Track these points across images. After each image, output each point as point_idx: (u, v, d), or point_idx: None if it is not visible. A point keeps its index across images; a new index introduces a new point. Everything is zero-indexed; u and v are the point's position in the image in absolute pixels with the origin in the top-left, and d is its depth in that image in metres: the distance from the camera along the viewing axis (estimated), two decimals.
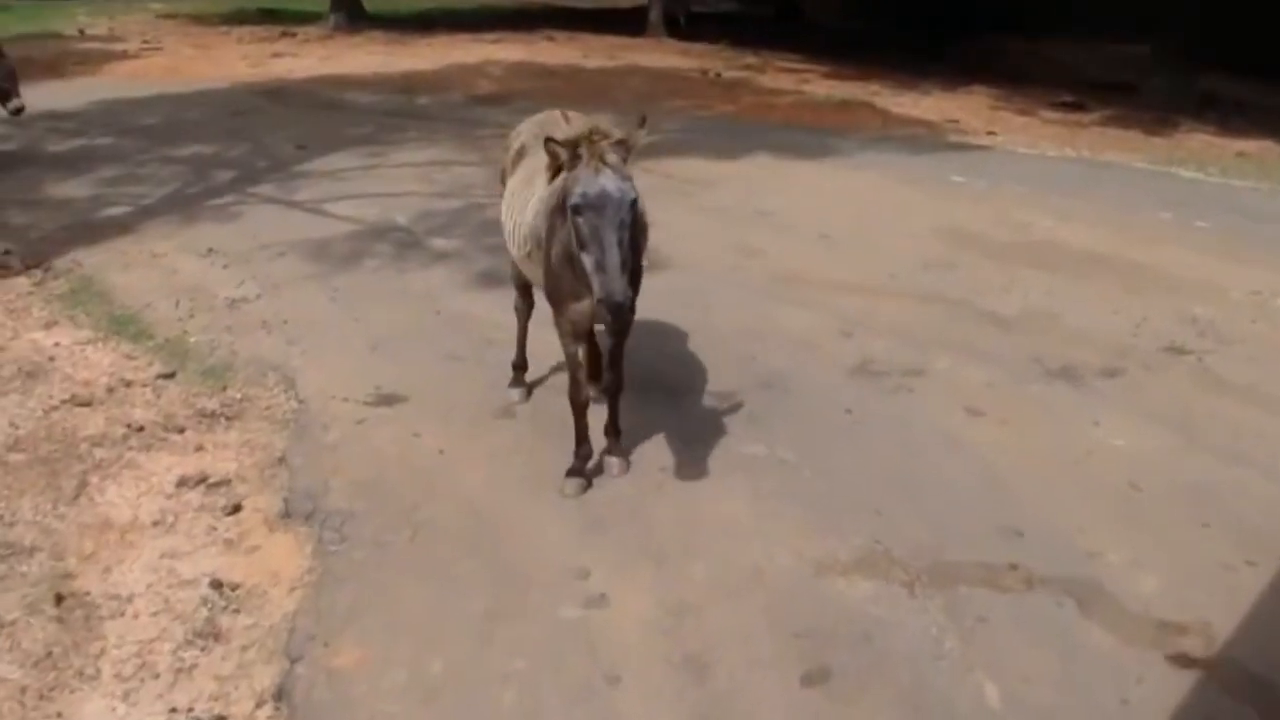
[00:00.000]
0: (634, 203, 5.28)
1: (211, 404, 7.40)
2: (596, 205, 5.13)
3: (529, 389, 7.47)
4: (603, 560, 5.65)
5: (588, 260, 5.17)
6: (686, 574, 5.55)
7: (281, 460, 6.66)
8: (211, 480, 6.47)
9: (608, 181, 5.19)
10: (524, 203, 6.26)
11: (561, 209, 5.49)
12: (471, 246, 10.44)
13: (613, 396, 6.49)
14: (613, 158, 5.30)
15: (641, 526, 5.95)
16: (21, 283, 9.60)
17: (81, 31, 27.25)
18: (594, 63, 22.94)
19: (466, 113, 16.99)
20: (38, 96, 17.63)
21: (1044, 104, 19.26)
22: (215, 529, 6.02)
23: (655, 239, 10.49)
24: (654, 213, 11.33)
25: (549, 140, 5.40)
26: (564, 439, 6.49)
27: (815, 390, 7.51)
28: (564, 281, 5.79)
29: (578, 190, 5.17)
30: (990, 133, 16.53)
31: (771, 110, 17.87)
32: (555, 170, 5.62)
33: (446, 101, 18.10)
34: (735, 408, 7.20)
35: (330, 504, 6.15)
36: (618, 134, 5.42)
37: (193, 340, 8.35)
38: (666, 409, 7.19)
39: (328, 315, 8.71)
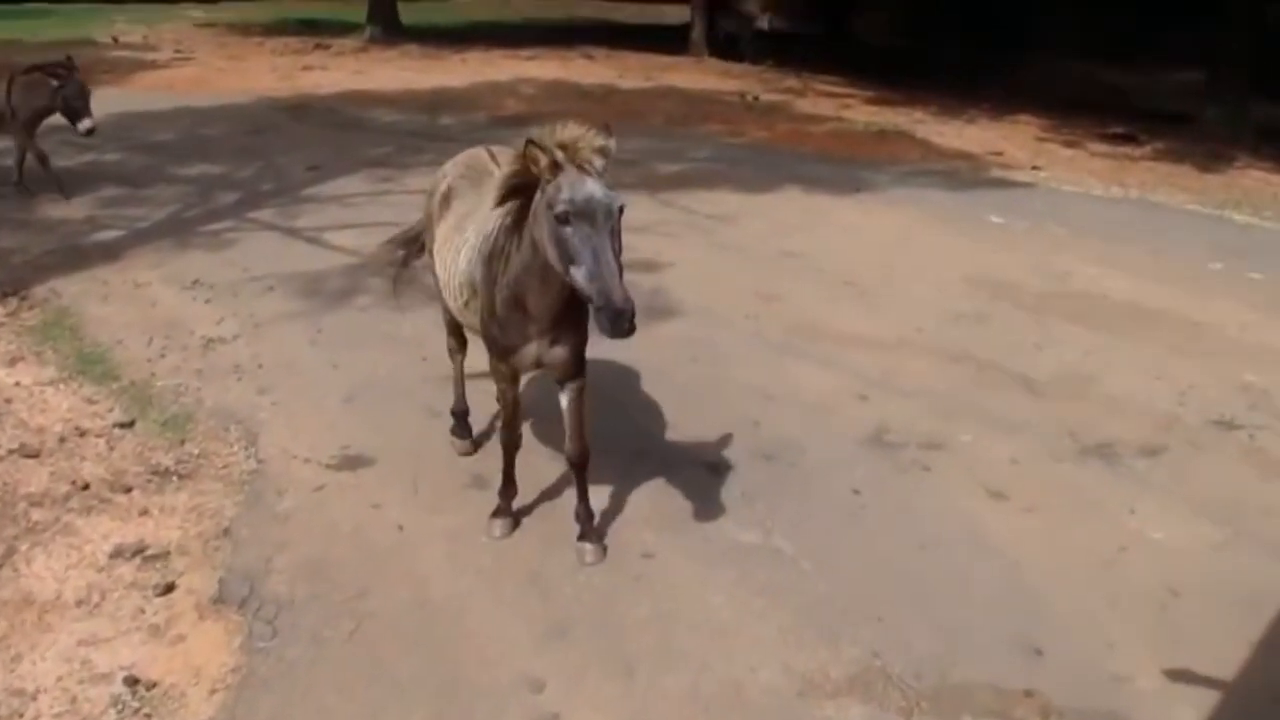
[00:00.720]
0: (621, 209, 4.80)
1: (166, 459, 6.83)
2: (585, 212, 4.65)
3: (475, 442, 6.99)
4: (563, 669, 5.00)
5: (579, 272, 4.66)
6: (656, 689, 4.90)
7: (227, 531, 6.06)
8: (149, 552, 5.90)
9: (594, 187, 4.71)
10: (456, 250, 5.79)
11: (495, 256, 5.28)
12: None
13: (579, 470, 5.91)
14: (598, 162, 4.81)
15: (612, 628, 5.30)
16: None
17: (115, 39, 26.96)
18: (629, 83, 22.34)
19: (487, 135, 16.25)
20: None
21: (1093, 135, 18.50)
22: (143, 612, 5.44)
23: (668, 281, 10.06)
24: (670, 251, 10.90)
25: (530, 142, 4.84)
26: (539, 518, 5.92)
27: (822, 464, 6.83)
28: (510, 327, 5.39)
29: (563, 197, 4.67)
30: (1035, 167, 15.78)
31: (807, 139, 17.19)
32: (508, 192, 5.11)
33: (470, 122, 17.50)
34: (732, 484, 6.54)
35: (269, 589, 5.54)
36: (598, 140, 4.87)
37: (158, 385, 7.79)
38: (655, 483, 6.54)
39: (306, 360, 8.11)
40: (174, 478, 6.63)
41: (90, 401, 7.58)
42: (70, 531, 6.08)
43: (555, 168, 4.77)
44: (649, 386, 7.84)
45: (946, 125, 19.11)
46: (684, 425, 7.26)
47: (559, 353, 5.52)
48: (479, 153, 6.43)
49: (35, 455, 6.87)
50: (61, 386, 7.79)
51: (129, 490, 6.49)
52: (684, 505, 6.29)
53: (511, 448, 6.01)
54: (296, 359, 8.17)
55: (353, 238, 10.97)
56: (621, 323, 4.57)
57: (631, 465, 6.68)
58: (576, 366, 5.65)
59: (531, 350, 5.45)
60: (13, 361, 8.17)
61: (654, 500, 6.35)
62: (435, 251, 6.19)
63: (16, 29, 28.24)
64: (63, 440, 7.04)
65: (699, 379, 7.99)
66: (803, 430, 7.25)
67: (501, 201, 5.17)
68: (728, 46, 26.96)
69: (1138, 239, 11.82)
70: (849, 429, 7.31)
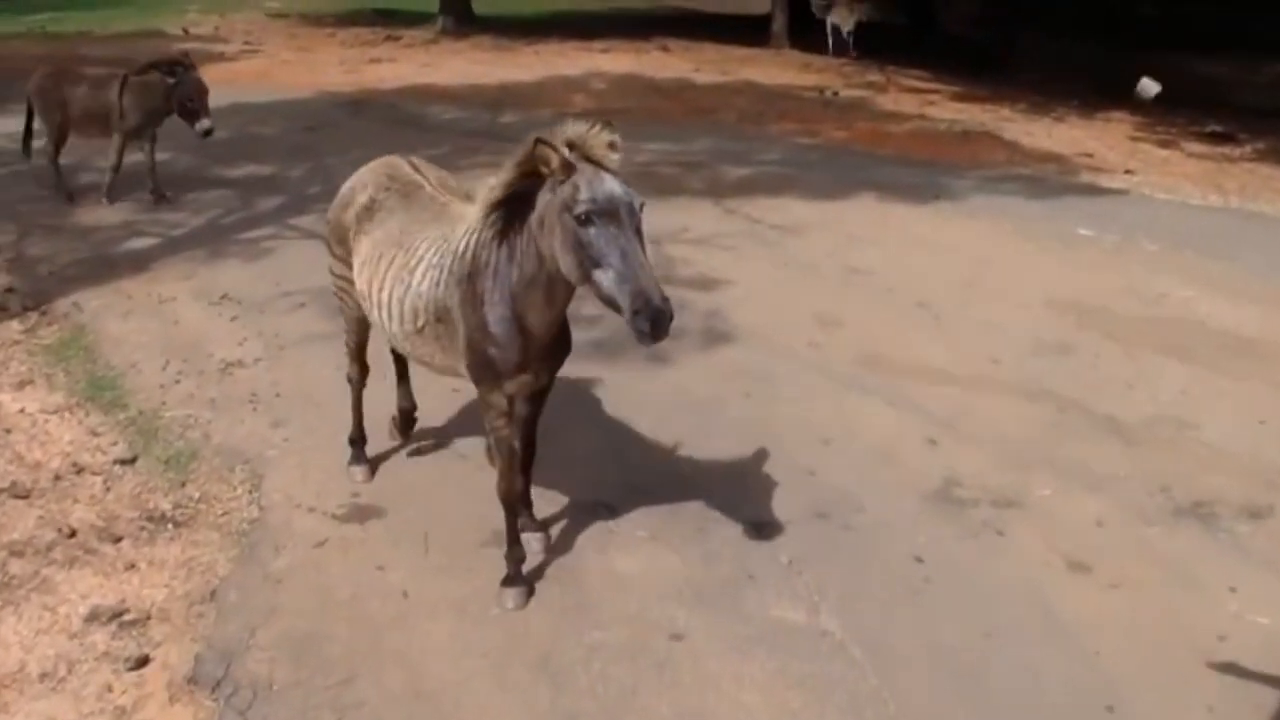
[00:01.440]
0: (642, 206, 4.51)
1: (164, 503, 6.33)
2: (609, 210, 4.36)
3: (372, 466, 6.57)
4: None
5: (606, 276, 4.36)
6: None
7: (214, 595, 5.49)
8: (127, 616, 5.39)
9: (614, 184, 4.44)
10: (404, 268, 5.33)
11: (479, 274, 4.95)
12: None
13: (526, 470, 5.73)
14: (613, 158, 4.54)
15: None
16: (12, 328, 8.67)
17: (186, 31, 26.63)
18: (705, 78, 21.57)
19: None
20: None
21: (1189, 133, 17.40)
22: (110, 690, 4.93)
23: (725, 302, 9.36)
24: (730, 267, 10.19)
25: (540, 141, 4.50)
26: (552, 582, 5.39)
27: (882, 525, 6.11)
28: (509, 348, 5.01)
29: (583, 196, 4.37)
30: (1128, 171, 14.78)
31: (886, 139, 16.31)
32: (503, 200, 4.84)
33: (532, 120, 16.71)
34: (778, 547, 5.85)
35: (247, 669, 4.95)
36: (608, 135, 4.56)
37: (167, 415, 7.27)
38: (691, 543, 5.87)
39: (327, 390, 7.49)
40: (169, 525, 6.11)
41: (94, 433, 7.08)
42: (48, 588, 5.58)
43: (568, 168, 4.45)
44: (695, 423, 7.17)
45: (1035, 124, 18.15)
46: (730, 472, 6.58)
47: (552, 368, 5.37)
48: (397, 163, 5.95)
49: (26, 496, 6.40)
50: (67, 415, 7.32)
51: (118, 540, 5.98)
52: (722, 573, 5.64)
53: (514, 502, 5.50)
54: (317, 388, 7.58)
55: None
56: (663, 323, 4.31)
57: (667, 521, 6.03)
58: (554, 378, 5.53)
59: (530, 373, 5.16)
60: (21, 385, 7.73)
61: (689, 566, 5.70)
62: (360, 270, 5.66)
63: (90, 20, 28.12)
64: (58, 479, 6.56)
65: (751, 417, 7.30)
66: (861, 482, 6.53)
67: (493, 210, 4.87)
68: (832, 40, 25.68)
69: (1237, 254, 10.87)
70: (914, 481, 6.57)
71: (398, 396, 6.72)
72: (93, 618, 5.34)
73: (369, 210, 5.68)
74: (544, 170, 4.51)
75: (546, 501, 6.18)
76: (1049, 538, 6.02)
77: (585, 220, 4.35)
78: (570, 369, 7.60)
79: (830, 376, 7.94)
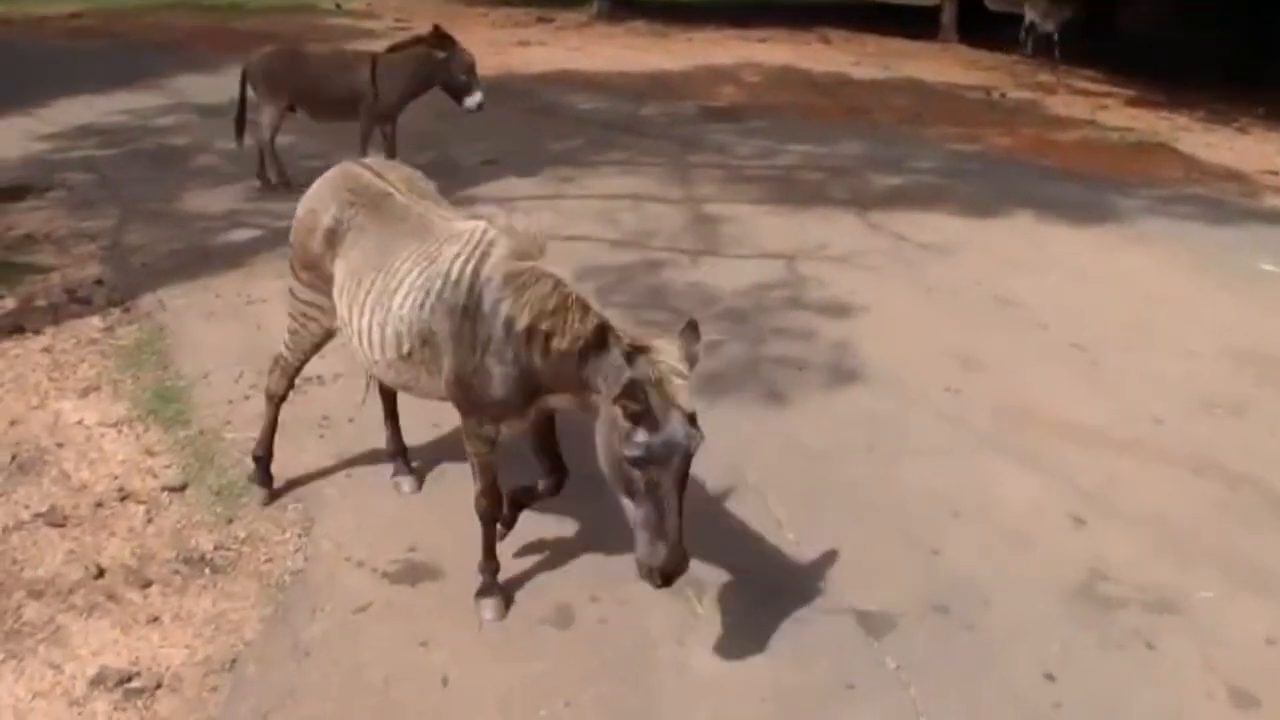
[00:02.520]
0: (698, 447, 4.20)
1: (205, 543, 5.72)
2: (661, 458, 4.09)
3: (273, 492, 6.08)
4: None
5: (633, 511, 4.19)
6: None
7: (234, 664, 4.85)
8: (136, 683, 4.81)
9: (677, 428, 4.10)
10: (384, 292, 4.95)
11: (471, 311, 4.64)
12: (627, 323, 8.39)
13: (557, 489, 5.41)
14: (685, 392, 4.20)
15: None
16: (92, 325, 8.20)
17: (338, 5, 26.40)
18: (864, 72, 20.56)
19: (690, 130, 14.92)
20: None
21: None
22: None
23: (858, 333, 8.49)
24: (868, 291, 9.30)
25: (635, 383, 4.11)
26: (622, 686, 4.66)
27: (1010, 627, 5.23)
28: (510, 400, 4.70)
29: (639, 439, 4.07)
30: None
31: (1051, 149, 15.15)
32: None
33: (675, 113, 16.06)
34: (886, 649, 5.02)
35: None
36: (679, 353, 4.33)
37: (229, 438, 6.69)
38: (782, 641, 5.06)
39: (407, 419, 6.81)
40: (205, 570, 5.52)
41: (149, 453, 6.53)
42: (59, 641, 5.02)
43: (641, 397, 4.07)
44: (807, 481, 6.36)
45: (1215, 134, 16.85)
46: (840, 546, 5.73)
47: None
48: (356, 172, 5.42)
49: (61, 524, 5.87)
50: (124, 430, 6.78)
51: (147, 586, 5.40)
52: (816, 679, 4.83)
53: (493, 519, 5.15)
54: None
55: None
56: (662, 584, 4.19)
57: (760, 607, 5.23)
58: None
59: (529, 417, 4.83)
60: (86, 392, 7.22)
61: (778, 668, 4.90)
62: (340, 295, 5.22)
63: None
64: (99, 506, 6.02)
65: (871, 477, 6.46)
66: (992, 568, 5.65)
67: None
68: (1029, 38, 24.16)
69: None
70: (1052, 570, 5.67)
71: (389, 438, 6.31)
72: (99, 681, 4.77)
73: (336, 233, 5.22)
74: (625, 410, 4.11)
75: (620, 564, 5.43)
76: (1209, 656, 5.08)
77: (635, 463, 4.08)
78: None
79: (967, 430, 7.04)
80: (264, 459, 6.08)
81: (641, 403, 4.03)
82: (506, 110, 15.48)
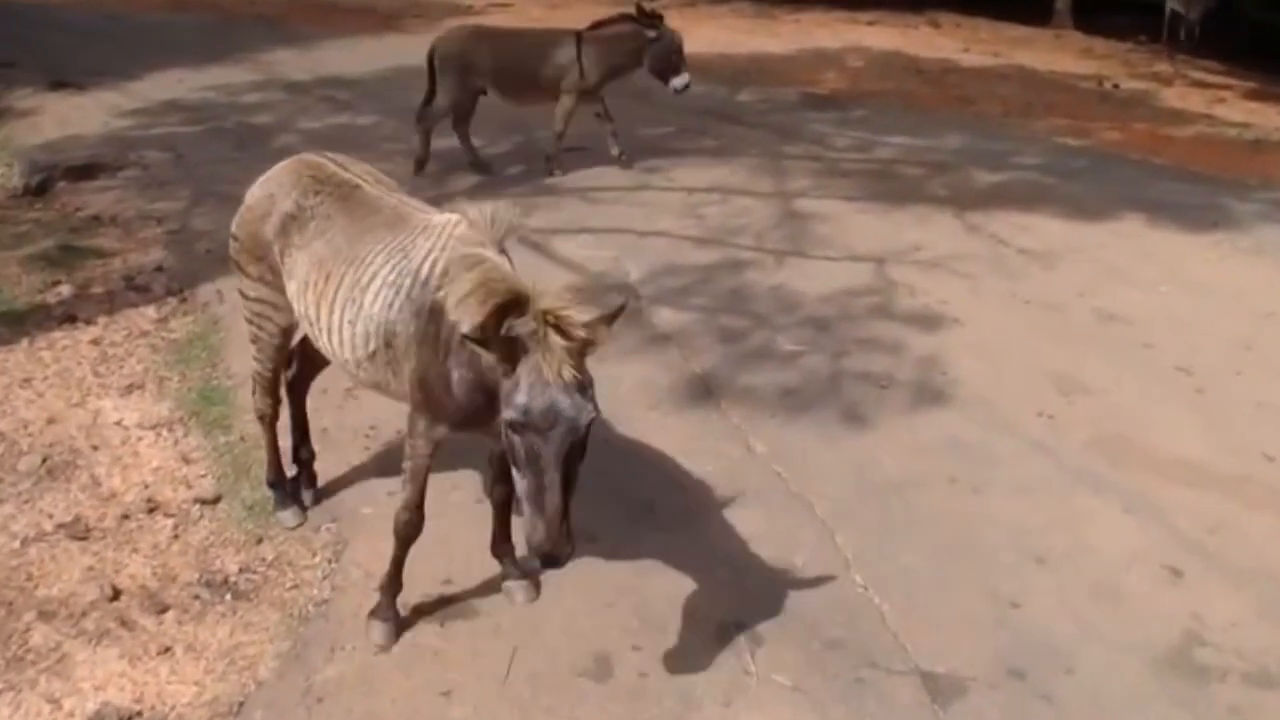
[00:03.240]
0: (592, 423, 3.89)
1: (231, 564, 5.48)
2: (540, 426, 3.81)
3: (304, 509, 5.78)
4: None
5: (520, 483, 3.92)
6: None
7: (241, 707, 4.53)
8: None
9: (559, 396, 3.81)
10: (355, 286, 4.66)
11: (435, 313, 4.34)
12: (704, 328, 8.06)
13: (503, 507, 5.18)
14: (574, 362, 3.84)
15: None
16: (147, 316, 7.98)
17: None
18: (971, 60, 19.79)
19: (787, 118, 14.34)
20: (338, 57, 16.41)
21: None
22: None
23: (946, 347, 7.96)
24: (961, 301, 8.75)
25: (495, 313, 3.93)
26: None
27: (1092, 699, 4.77)
28: (467, 409, 4.40)
29: (518, 401, 3.83)
30: None
31: (1165, 145, 14.37)
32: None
33: (773, 100, 15.49)
34: (950, 717, 4.56)
35: None
36: (583, 319, 3.88)
37: None
38: (838, 703, 4.65)
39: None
40: (227, 595, 5.28)
41: (185, 459, 6.30)
42: (63, 671, 4.82)
43: (512, 349, 3.86)
44: (878, 515, 5.95)
45: None
46: (910, 594, 5.31)
47: None
48: (319, 162, 5.15)
49: (84, 537, 5.66)
50: (164, 434, 6.55)
51: (163, 611, 5.18)
52: None
53: (411, 538, 4.86)
54: None
55: (581, 247, 9.33)
56: (544, 564, 3.98)
57: (817, 662, 4.82)
58: None
59: (486, 427, 4.38)
60: (129, 390, 7.00)
61: None
62: (294, 292, 4.95)
63: None
64: (125, 518, 5.80)
65: (951, 513, 6.00)
66: (1077, 626, 5.18)
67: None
68: (1172, 31, 22.95)
69: None
70: (1144, 631, 5.18)
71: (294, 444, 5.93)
72: None
73: (296, 220, 4.91)
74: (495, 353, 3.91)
75: (664, 602, 5.06)
76: None
77: (512, 426, 3.84)
78: (738, 416, 6.45)
79: (1059, 464, 6.53)
80: (278, 484, 5.79)
81: (502, 354, 3.85)
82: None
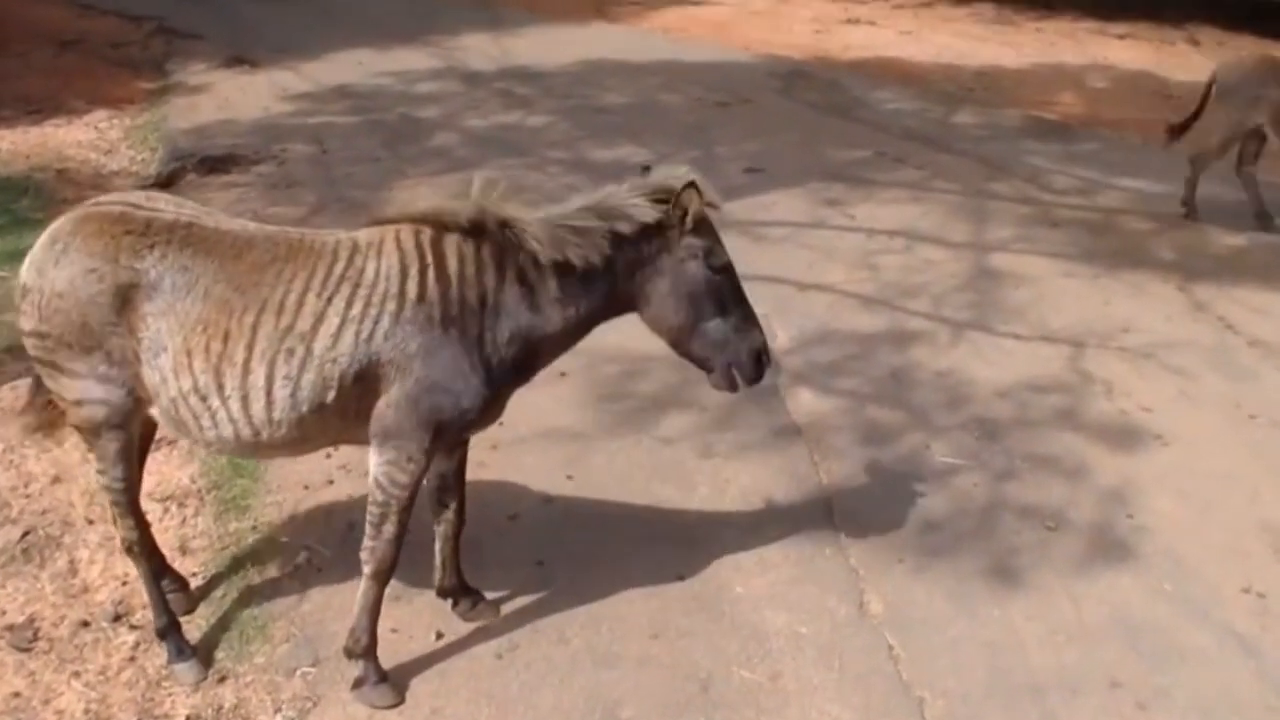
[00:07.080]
0: None
1: (179, 709, 4.63)
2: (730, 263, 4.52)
3: (201, 665, 4.67)
4: None
5: (724, 324, 4.49)
6: None
7: None
8: None
9: None
10: (289, 333, 4.05)
11: (449, 316, 4.15)
12: (847, 421, 6.77)
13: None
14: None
15: None
16: None
17: None
18: None
19: (1004, 148, 12.57)
20: (531, 45, 15.44)
21: None
22: None
23: (1145, 474, 6.47)
24: (1169, 408, 7.80)
25: (693, 185, 4.26)
26: None
27: None
28: (499, 393, 4.38)
29: (721, 247, 4.47)
30: None
31: None
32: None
33: (992, 124, 13.73)
34: None
35: None
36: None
37: (282, 541, 5.36)
38: None
39: (510, 535, 5.33)
40: None
41: (184, 549, 5.49)
42: None
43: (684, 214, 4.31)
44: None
45: None
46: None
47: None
48: (122, 214, 4.17)
49: (28, 649, 4.91)
50: (174, 510, 5.87)
51: None
52: None
53: (388, 579, 4.51)
54: (501, 524, 5.43)
55: None
56: (756, 379, 4.61)
57: None
58: None
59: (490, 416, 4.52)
60: (158, 444, 5.99)
61: None
62: (165, 372, 4.10)
63: None
64: (84, 625, 5.07)
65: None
66: None
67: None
68: None
69: None
70: None
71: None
72: None
73: (139, 287, 4.06)
74: (671, 214, 4.30)
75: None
76: None
77: (722, 269, 4.42)
78: (858, 556, 5.18)
79: (1262, 672, 4.98)
80: (169, 631, 4.70)
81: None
82: (798, 104, 13.77)
